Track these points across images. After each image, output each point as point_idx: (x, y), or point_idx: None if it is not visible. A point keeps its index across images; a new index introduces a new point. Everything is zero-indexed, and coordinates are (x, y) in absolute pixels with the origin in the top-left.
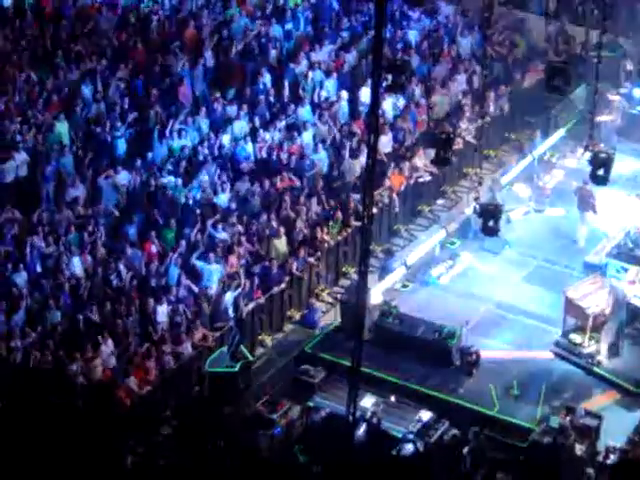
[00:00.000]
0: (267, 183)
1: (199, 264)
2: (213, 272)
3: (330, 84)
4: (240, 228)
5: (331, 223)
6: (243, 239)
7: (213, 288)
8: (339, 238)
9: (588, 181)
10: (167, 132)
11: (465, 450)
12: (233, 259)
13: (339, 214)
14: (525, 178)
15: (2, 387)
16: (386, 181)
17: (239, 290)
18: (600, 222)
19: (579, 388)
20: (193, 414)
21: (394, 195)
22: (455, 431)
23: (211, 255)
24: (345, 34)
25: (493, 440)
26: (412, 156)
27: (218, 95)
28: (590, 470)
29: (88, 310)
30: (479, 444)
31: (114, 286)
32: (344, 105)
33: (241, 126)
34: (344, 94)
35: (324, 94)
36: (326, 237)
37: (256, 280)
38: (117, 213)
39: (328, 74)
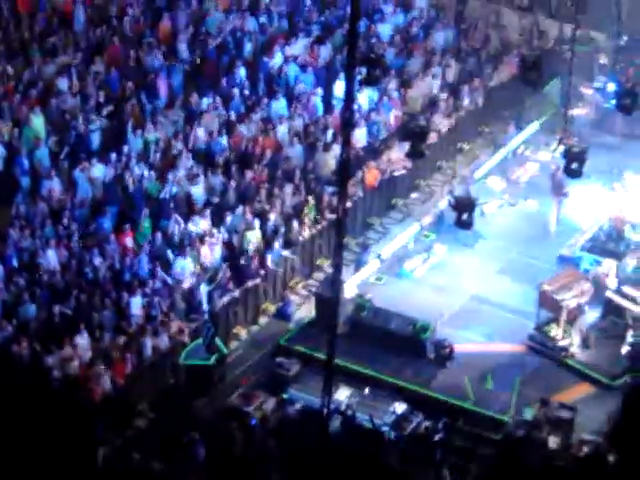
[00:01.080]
0: (242, 176)
1: (172, 257)
2: (186, 265)
3: (305, 78)
4: (214, 221)
5: (306, 210)
6: (217, 232)
7: (186, 281)
8: (314, 231)
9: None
10: (142, 125)
11: (435, 440)
12: (207, 252)
13: (310, 199)
14: (499, 171)
15: None
16: (360, 174)
17: (214, 283)
18: (574, 215)
19: (553, 381)
20: (168, 407)
21: (369, 188)
22: (429, 423)
23: (184, 248)
24: (319, 28)
25: (467, 432)
26: (387, 149)
27: (193, 88)
28: (562, 463)
29: (64, 303)
30: (449, 435)
31: (89, 279)
32: (317, 99)
33: (215, 119)
34: (318, 89)
35: (300, 87)
36: (306, 220)
37: (229, 273)
38: (91, 206)
39: (303, 68)
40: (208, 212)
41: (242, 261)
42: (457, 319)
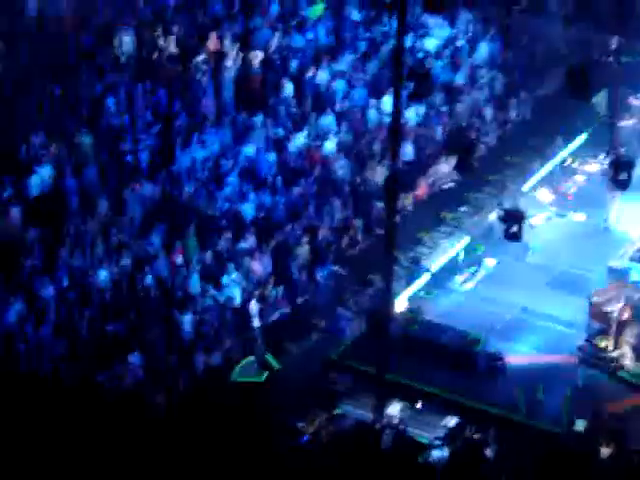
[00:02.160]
0: (290, 192)
1: (222, 274)
2: (235, 282)
3: (357, 93)
4: (265, 237)
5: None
6: (267, 248)
7: (237, 298)
8: (364, 246)
9: None
10: (191, 143)
11: (488, 453)
12: (258, 268)
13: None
14: (547, 184)
15: (32, 400)
16: (409, 188)
17: (264, 300)
18: (623, 226)
19: (604, 392)
20: (221, 424)
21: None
22: (481, 436)
23: (233, 265)
24: (365, 43)
25: (518, 444)
26: (435, 163)
27: (241, 105)
28: (615, 475)
29: (115, 322)
30: (499, 446)
31: (140, 297)
32: (371, 113)
33: (264, 136)
34: (372, 102)
35: (347, 103)
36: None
37: (281, 289)
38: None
39: (350, 83)
40: (257, 229)
41: (292, 277)
42: (508, 331)
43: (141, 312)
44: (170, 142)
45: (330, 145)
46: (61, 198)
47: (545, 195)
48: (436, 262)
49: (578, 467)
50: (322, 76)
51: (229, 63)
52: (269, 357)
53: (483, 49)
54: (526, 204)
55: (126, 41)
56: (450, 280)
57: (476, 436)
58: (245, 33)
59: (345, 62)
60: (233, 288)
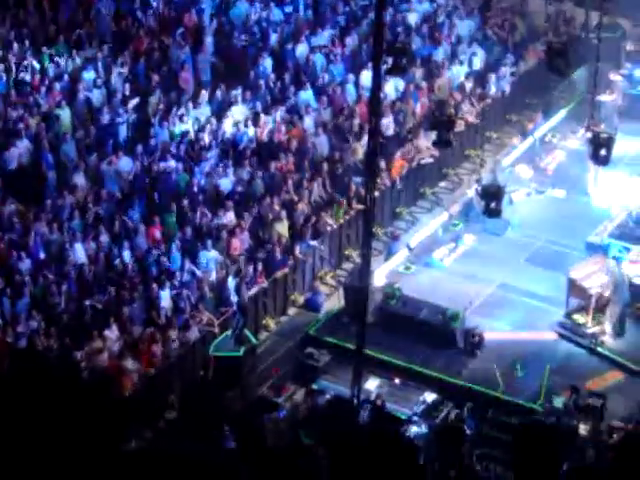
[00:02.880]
0: (269, 167)
1: (200, 249)
2: (211, 258)
3: (332, 67)
4: (242, 212)
5: (335, 208)
6: (246, 223)
7: (213, 273)
8: (342, 221)
9: None
10: (169, 118)
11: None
12: (236, 243)
13: (343, 201)
14: (527, 159)
15: (8, 371)
16: (388, 164)
17: (240, 275)
18: (602, 202)
19: (583, 368)
20: (198, 399)
21: (396, 178)
22: (459, 412)
23: (209, 241)
24: (345, 18)
25: (497, 421)
26: (414, 138)
27: (220, 80)
28: (592, 450)
29: (92, 297)
30: (477, 422)
31: (118, 272)
32: (350, 87)
33: (242, 111)
34: (350, 77)
35: (326, 77)
36: (329, 220)
37: (259, 264)
38: (120, 198)
39: (329, 58)
40: (235, 204)
41: (270, 252)
42: (486, 307)
43: (119, 287)
44: (148, 116)
45: (309, 120)
46: (38, 172)
47: (524, 171)
48: (415, 238)
49: (556, 443)
50: (301, 50)
51: (208, 37)
52: (246, 332)
53: (463, 24)
54: (505, 180)
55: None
56: (429, 256)
57: (454, 412)
58: (224, 7)
59: (324, 36)
60: (211, 263)
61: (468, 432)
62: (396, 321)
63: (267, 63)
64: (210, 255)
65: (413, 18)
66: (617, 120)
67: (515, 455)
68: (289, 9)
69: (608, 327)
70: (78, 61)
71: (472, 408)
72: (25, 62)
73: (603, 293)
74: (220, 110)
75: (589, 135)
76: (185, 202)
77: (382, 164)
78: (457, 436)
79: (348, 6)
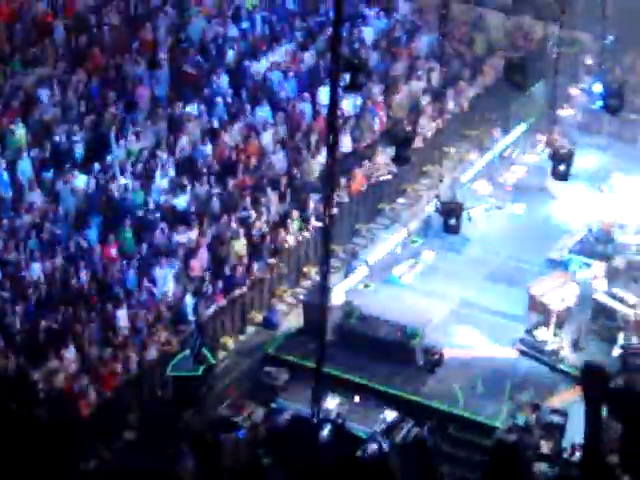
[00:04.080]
0: (226, 184)
1: (158, 268)
2: (168, 276)
3: (289, 84)
4: (200, 230)
5: (289, 221)
6: (203, 241)
7: (170, 292)
8: (300, 238)
9: None
10: (124, 135)
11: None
12: (194, 262)
13: (296, 212)
14: (485, 175)
15: None
16: (347, 181)
17: (200, 294)
18: (562, 217)
19: (544, 385)
20: (156, 418)
21: (355, 194)
22: (420, 430)
23: (165, 259)
24: (302, 34)
25: (458, 439)
26: (372, 155)
27: (176, 97)
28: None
29: (49, 316)
30: (437, 440)
31: (74, 291)
32: (305, 105)
33: (199, 128)
34: (307, 93)
35: (283, 94)
36: (288, 238)
37: (217, 283)
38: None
39: (286, 74)
40: (193, 221)
41: (228, 270)
42: (446, 324)
43: (76, 306)
44: (104, 134)
45: (266, 137)
46: None
47: (483, 187)
48: (374, 255)
49: (517, 461)
50: (258, 67)
51: (163, 54)
52: (205, 351)
53: (421, 40)
54: (464, 196)
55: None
56: (388, 273)
57: (415, 430)
58: (180, 23)
59: (281, 52)
60: (168, 282)
61: (428, 449)
62: (355, 339)
63: (223, 79)
64: (167, 273)
65: (370, 34)
66: (576, 135)
67: (480, 473)
68: (246, 25)
69: (568, 343)
70: (33, 78)
71: (433, 426)
72: None
73: (564, 309)
74: (177, 127)
75: (548, 150)
76: (141, 220)
77: (341, 181)
78: (416, 453)
79: (305, 22)
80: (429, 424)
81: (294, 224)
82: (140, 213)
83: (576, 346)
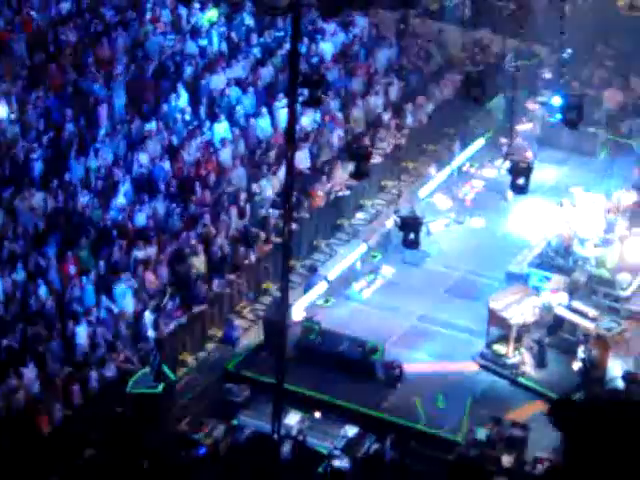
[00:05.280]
0: (185, 201)
1: (116, 285)
2: (127, 293)
3: (247, 100)
4: (159, 247)
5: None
6: (163, 258)
7: (130, 309)
8: (260, 254)
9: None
10: (84, 152)
11: (388, 462)
12: (153, 278)
13: (260, 232)
14: (445, 189)
15: None
16: (305, 196)
17: (159, 311)
18: (521, 231)
19: (505, 399)
20: (117, 436)
21: (314, 210)
22: (381, 445)
23: (125, 275)
24: (260, 50)
25: (419, 453)
26: (331, 171)
27: (135, 113)
28: None
29: (9, 335)
30: (399, 455)
31: (34, 309)
32: (263, 121)
33: (157, 144)
34: (263, 110)
35: (241, 110)
36: (248, 254)
37: (177, 299)
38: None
39: (244, 90)
40: (152, 238)
41: (188, 286)
42: (406, 339)
43: (35, 325)
44: (63, 151)
45: (225, 153)
46: None
47: (443, 201)
48: (333, 270)
49: (479, 476)
50: (216, 83)
51: (121, 70)
52: (165, 368)
53: (379, 54)
54: (423, 211)
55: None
56: (348, 288)
57: (376, 445)
58: (138, 40)
59: (239, 68)
60: (127, 299)
61: (389, 465)
62: (316, 355)
63: (182, 96)
64: (126, 290)
65: (329, 49)
66: (535, 148)
67: None
68: (204, 42)
69: (529, 357)
70: None
71: (394, 441)
72: None
73: (524, 323)
74: (135, 144)
75: (507, 164)
76: (100, 237)
77: (300, 196)
78: (377, 468)
79: (262, 38)
80: (390, 439)
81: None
82: (99, 230)
83: (536, 360)
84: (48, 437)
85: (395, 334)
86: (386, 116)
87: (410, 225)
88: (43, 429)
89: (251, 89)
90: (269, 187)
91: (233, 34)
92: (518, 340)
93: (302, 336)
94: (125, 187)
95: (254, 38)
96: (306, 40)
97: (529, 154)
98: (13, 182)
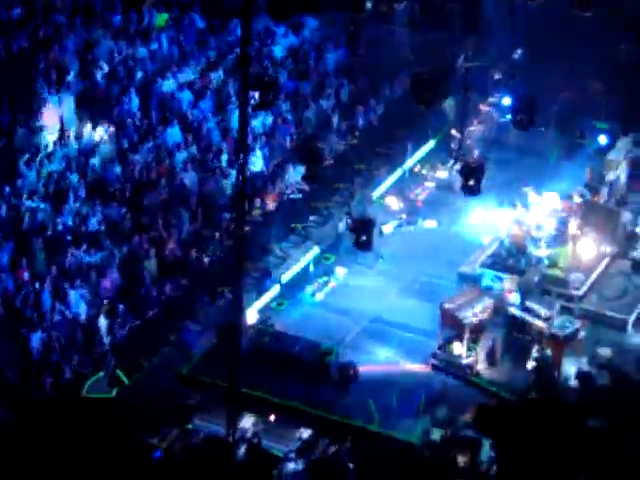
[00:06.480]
0: (138, 205)
1: (69, 290)
2: (80, 297)
3: (198, 104)
4: (111, 251)
5: (211, 247)
6: (115, 262)
7: (83, 313)
8: (213, 258)
9: None
10: (34, 157)
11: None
12: (107, 283)
13: (216, 235)
14: (396, 191)
15: None
16: (258, 199)
17: (112, 315)
18: (473, 232)
19: (459, 399)
20: (72, 440)
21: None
22: (336, 447)
23: (78, 281)
24: (211, 53)
25: (373, 455)
26: (283, 173)
27: (86, 117)
28: None
29: None
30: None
31: None
32: (212, 124)
33: (109, 148)
34: (218, 112)
35: (192, 114)
36: (200, 257)
37: (130, 303)
38: None
39: (196, 94)
40: (105, 242)
41: (141, 291)
42: (360, 341)
43: None
44: (13, 157)
45: (177, 156)
46: None
47: (394, 202)
48: (286, 273)
49: (434, 476)
50: (167, 86)
51: (71, 75)
52: (119, 372)
53: (329, 56)
54: (375, 212)
55: None
56: (301, 291)
57: (330, 447)
58: (87, 44)
59: (190, 72)
60: (80, 303)
61: (344, 467)
62: (270, 357)
63: (133, 100)
64: (80, 295)
65: (279, 51)
66: (487, 149)
67: None
68: (154, 46)
69: (482, 357)
70: None
71: (348, 443)
72: None
73: (477, 323)
74: (87, 148)
75: (458, 165)
76: (52, 242)
77: (252, 199)
78: (332, 471)
79: (214, 41)
80: (345, 441)
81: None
82: (51, 235)
83: (490, 360)
84: (1, 441)
85: (349, 336)
86: (337, 118)
87: (362, 227)
88: None
89: (202, 93)
90: (221, 191)
91: (183, 38)
92: (472, 340)
93: (256, 339)
94: (77, 192)
95: (205, 42)
96: (257, 43)
97: (475, 154)
98: None
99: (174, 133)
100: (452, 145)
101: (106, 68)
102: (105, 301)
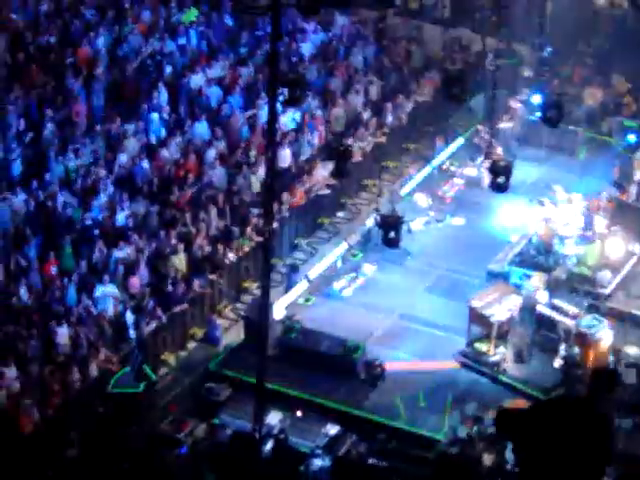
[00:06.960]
0: (165, 200)
1: (97, 285)
2: (108, 293)
3: (227, 99)
4: (139, 247)
5: (240, 240)
6: (142, 258)
7: (111, 309)
8: (240, 254)
9: None
10: (63, 152)
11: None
12: (134, 279)
13: (247, 230)
14: (425, 188)
15: None
16: (286, 195)
17: (140, 310)
18: (502, 229)
19: (486, 397)
20: (98, 436)
21: (295, 209)
22: (362, 444)
23: (106, 276)
24: (240, 49)
25: (400, 452)
26: (311, 169)
27: (114, 113)
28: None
29: None
30: (377, 453)
31: (15, 309)
32: (244, 120)
33: (137, 144)
34: (247, 108)
35: (222, 109)
36: (228, 253)
37: (158, 299)
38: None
39: (225, 89)
40: (133, 238)
41: (168, 286)
42: (387, 338)
43: (16, 324)
44: (42, 151)
45: (205, 152)
46: None
47: (423, 199)
48: (314, 269)
49: (460, 474)
50: (196, 82)
51: (101, 70)
52: (146, 368)
53: (359, 53)
54: (403, 209)
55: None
56: (329, 287)
57: (357, 444)
58: (117, 39)
59: (219, 68)
60: (108, 299)
61: (371, 463)
62: (297, 354)
63: (162, 95)
64: (107, 290)
65: (308, 48)
66: (516, 147)
67: None
68: (183, 41)
69: (510, 355)
70: None
71: (375, 439)
72: None
73: (505, 321)
74: (115, 143)
75: (487, 163)
76: (81, 237)
77: (280, 195)
78: (359, 467)
79: (243, 37)
80: (371, 438)
81: (243, 241)
82: (79, 230)
83: (518, 358)
84: (30, 437)
85: (376, 332)
86: (366, 115)
87: (390, 224)
88: (25, 429)
89: (231, 88)
90: (249, 186)
91: (212, 34)
92: (499, 338)
93: (283, 335)
94: (105, 187)
95: (234, 38)
96: (286, 39)
97: (499, 151)
98: None
99: (202, 129)
100: (475, 140)
101: (135, 63)
102: (133, 297)
